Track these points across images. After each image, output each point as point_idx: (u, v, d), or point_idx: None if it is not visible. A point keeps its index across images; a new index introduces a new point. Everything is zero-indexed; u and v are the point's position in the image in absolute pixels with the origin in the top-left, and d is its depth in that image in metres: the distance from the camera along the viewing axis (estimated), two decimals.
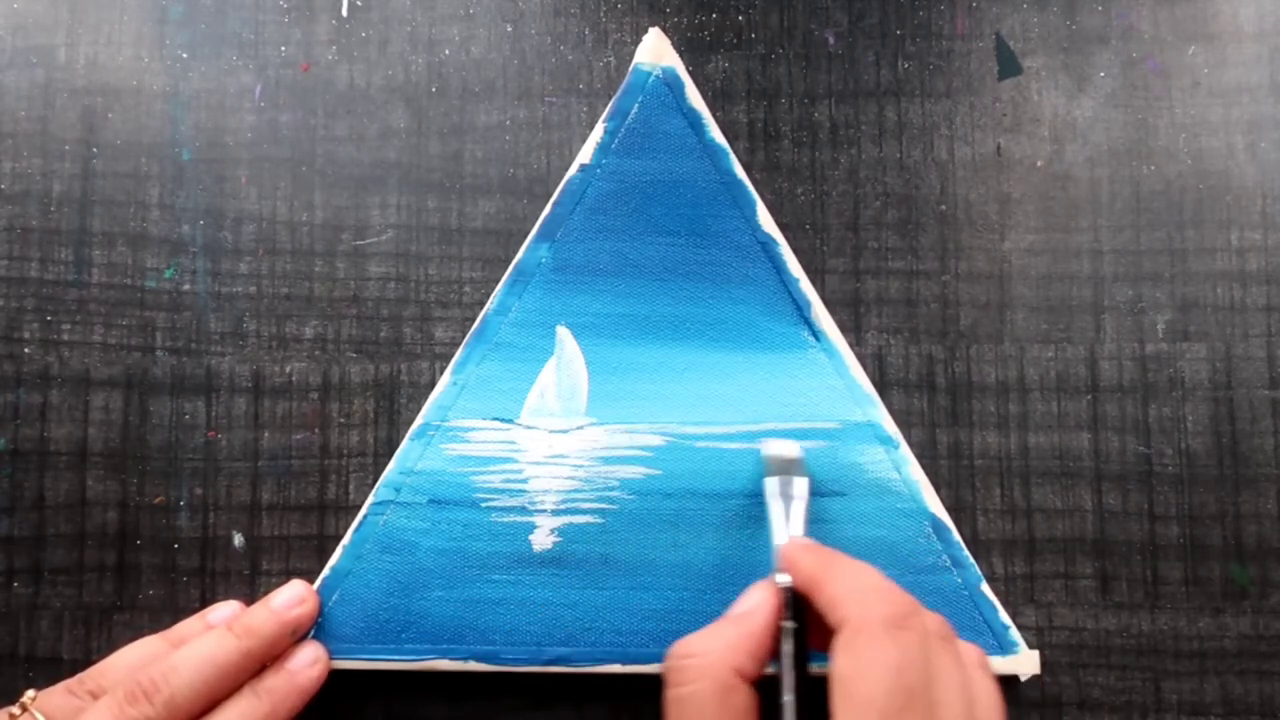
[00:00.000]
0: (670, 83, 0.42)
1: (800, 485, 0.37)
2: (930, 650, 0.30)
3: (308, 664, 0.39)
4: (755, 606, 0.33)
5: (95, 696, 0.37)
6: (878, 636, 0.29)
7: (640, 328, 0.41)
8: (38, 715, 0.36)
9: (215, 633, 0.37)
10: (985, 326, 0.43)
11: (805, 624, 0.33)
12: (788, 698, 0.31)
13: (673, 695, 0.31)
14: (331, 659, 0.39)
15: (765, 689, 0.31)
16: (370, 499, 0.41)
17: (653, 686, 0.41)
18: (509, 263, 0.42)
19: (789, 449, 0.39)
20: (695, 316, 0.41)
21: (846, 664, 0.29)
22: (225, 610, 0.40)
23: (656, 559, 0.40)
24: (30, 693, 0.37)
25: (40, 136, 0.44)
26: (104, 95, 0.44)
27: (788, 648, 0.32)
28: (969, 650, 0.33)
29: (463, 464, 0.41)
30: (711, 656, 0.31)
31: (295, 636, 0.39)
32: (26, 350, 0.43)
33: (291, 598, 0.39)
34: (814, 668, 0.32)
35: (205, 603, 0.42)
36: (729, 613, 0.33)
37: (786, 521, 0.36)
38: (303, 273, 0.43)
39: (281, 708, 0.37)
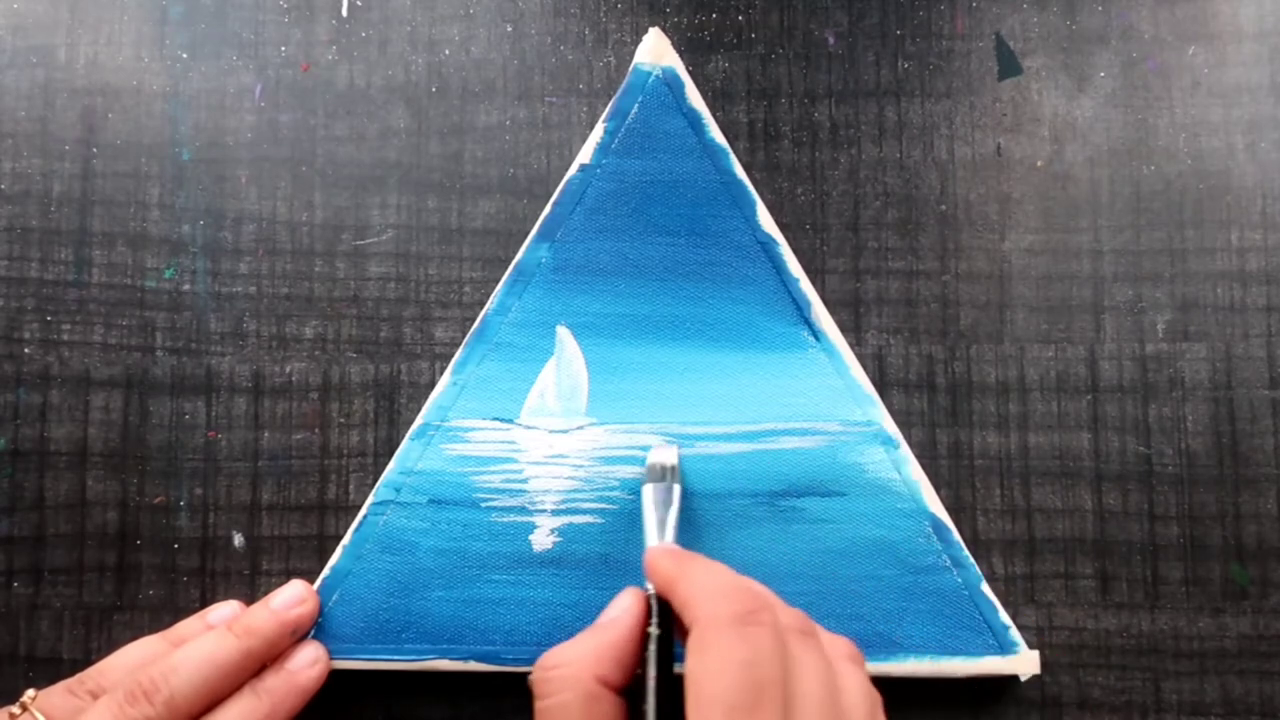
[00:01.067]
0: (670, 83, 0.42)
1: (675, 492, 0.37)
2: (786, 645, 0.30)
3: (308, 664, 0.39)
4: (619, 614, 0.33)
5: (95, 696, 0.37)
6: (723, 634, 0.29)
7: (640, 328, 0.41)
8: (38, 715, 0.36)
9: (215, 633, 0.37)
10: (985, 326, 0.43)
11: (673, 630, 0.33)
12: (650, 702, 0.31)
13: (540, 707, 0.31)
14: (331, 659, 0.39)
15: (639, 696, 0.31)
16: (370, 499, 0.41)
17: None
18: (509, 263, 0.42)
19: (668, 455, 0.39)
20: (695, 316, 0.41)
21: (695, 664, 0.29)
22: (225, 610, 0.40)
23: None
24: (30, 692, 0.37)
25: (40, 136, 0.44)
26: (104, 95, 0.44)
27: (652, 654, 0.32)
28: (836, 643, 0.33)
29: (463, 464, 0.41)
30: (575, 667, 0.31)
31: (295, 636, 0.39)
32: (26, 350, 0.43)
33: (291, 598, 0.39)
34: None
35: (205, 603, 0.42)
36: (597, 621, 0.33)
37: (660, 528, 0.37)
38: (303, 273, 0.43)
39: (281, 708, 0.37)
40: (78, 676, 0.38)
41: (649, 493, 0.38)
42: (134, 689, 0.35)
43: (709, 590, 0.31)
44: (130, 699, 0.35)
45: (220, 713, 0.36)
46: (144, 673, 0.35)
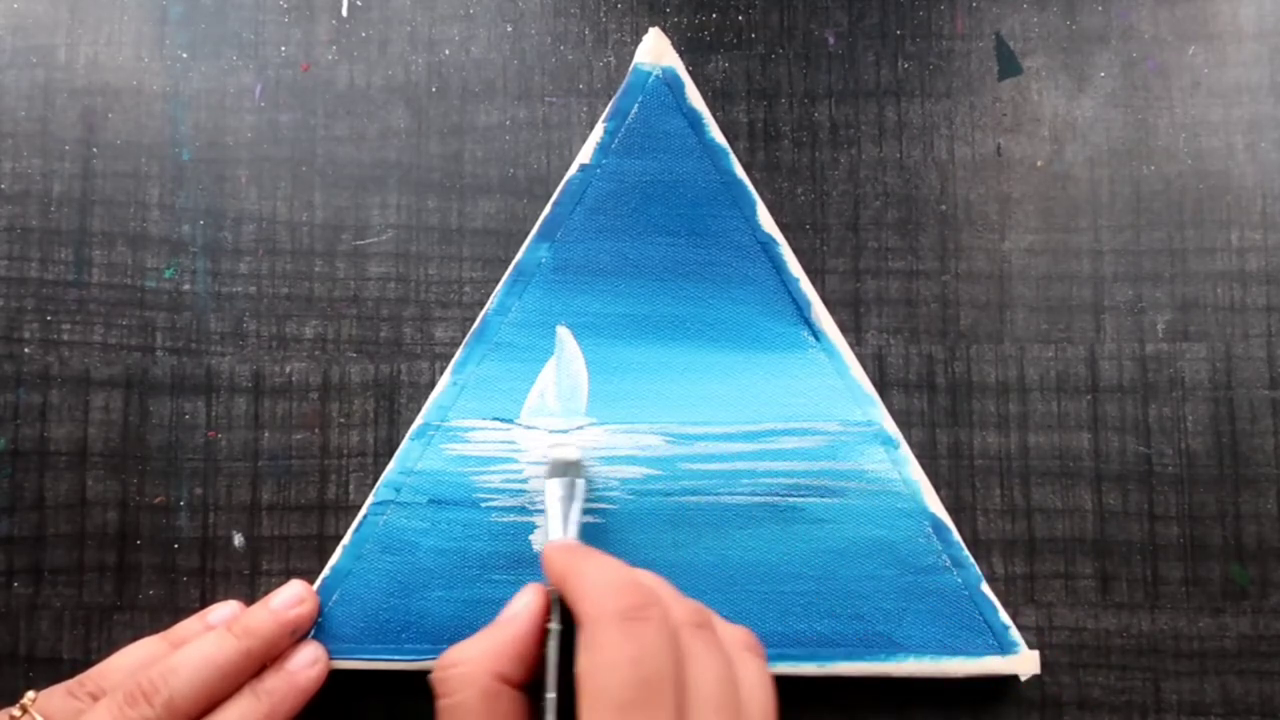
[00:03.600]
0: (670, 83, 0.42)
1: (579, 487, 0.38)
2: (678, 639, 0.30)
3: (307, 664, 0.38)
4: (519, 611, 0.33)
5: (95, 698, 0.37)
6: (610, 630, 0.29)
7: (640, 328, 0.41)
8: (37, 717, 0.36)
9: (215, 633, 0.37)
10: (985, 326, 0.43)
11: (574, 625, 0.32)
12: (550, 696, 0.31)
13: (440, 706, 0.31)
14: (331, 659, 0.39)
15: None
16: (370, 499, 0.41)
17: None
18: (509, 263, 0.42)
19: (570, 452, 0.39)
20: (695, 316, 0.41)
21: (585, 661, 0.29)
22: (225, 610, 0.40)
23: (656, 559, 0.40)
24: (30, 694, 0.37)
25: (40, 136, 0.44)
26: (104, 95, 0.44)
27: (551, 649, 0.32)
28: (734, 633, 0.32)
29: (463, 464, 0.41)
30: (473, 665, 0.31)
31: (295, 636, 0.39)
32: (26, 350, 0.43)
33: (291, 598, 0.39)
34: None
35: (205, 603, 0.42)
36: (497, 618, 0.33)
37: (562, 524, 0.37)
38: (303, 273, 0.43)
39: (281, 708, 0.37)
40: (78, 678, 0.38)
41: (552, 488, 0.38)
42: (134, 690, 0.35)
43: (598, 586, 0.31)
44: (130, 700, 0.35)
45: (220, 713, 0.36)
46: (144, 674, 0.35)
